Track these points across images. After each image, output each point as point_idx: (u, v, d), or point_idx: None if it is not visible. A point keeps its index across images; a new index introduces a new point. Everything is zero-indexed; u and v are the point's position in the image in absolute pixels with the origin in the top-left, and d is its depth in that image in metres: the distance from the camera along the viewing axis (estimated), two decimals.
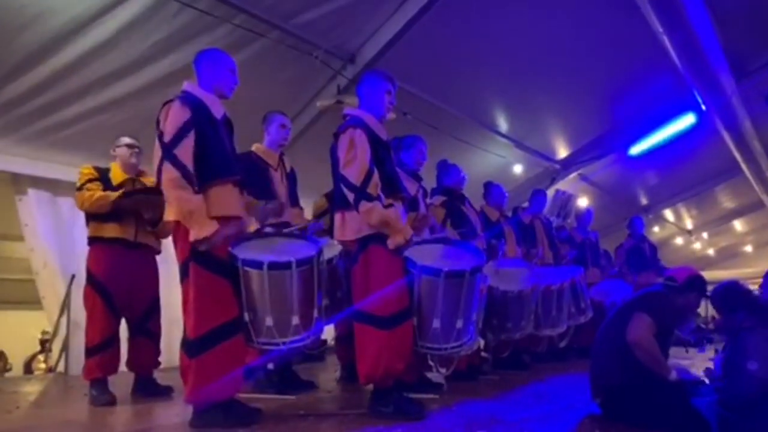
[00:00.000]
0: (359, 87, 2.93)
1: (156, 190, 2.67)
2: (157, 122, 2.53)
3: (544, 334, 4.60)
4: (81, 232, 3.94)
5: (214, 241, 2.43)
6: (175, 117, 2.46)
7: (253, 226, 3.19)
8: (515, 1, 5.08)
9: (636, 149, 7.87)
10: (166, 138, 2.44)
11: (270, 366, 3.51)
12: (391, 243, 2.66)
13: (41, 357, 6.85)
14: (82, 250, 3.57)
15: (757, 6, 5.60)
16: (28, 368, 7.17)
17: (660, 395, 2.45)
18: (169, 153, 2.42)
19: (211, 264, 2.46)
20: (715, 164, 9.82)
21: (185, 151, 2.43)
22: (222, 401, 2.45)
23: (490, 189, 5.08)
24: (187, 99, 2.54)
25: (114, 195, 3.27)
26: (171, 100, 2.54)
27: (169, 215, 2.50)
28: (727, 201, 12.75)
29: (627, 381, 2.52)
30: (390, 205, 2.68)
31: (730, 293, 2.84)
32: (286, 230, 3.08)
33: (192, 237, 2.40)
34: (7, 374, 7.20)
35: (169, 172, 2.40)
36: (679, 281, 2.71)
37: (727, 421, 2.47)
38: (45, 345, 6.27)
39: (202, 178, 2.49)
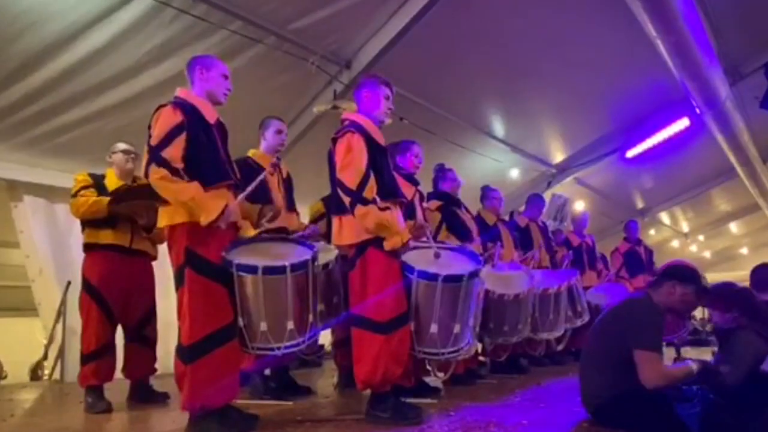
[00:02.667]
0: (357, 92, 2.92)
1: (145, 191, 2.67)
2: (149, 126, 2.54)
3: (541, 337, 4.60)
4: (77, 238, 3.94)
5: (228, 217, 2.47)
6: (165, 120, 2.47)
7: (250, 231, 3.18)
8: (510, 6, 5.11)
9: (631, 153, 7.91)
10: (154, 140, 2.45)
11: (267, 372, 3.50)
12: (388, 245, 2.65)
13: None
14: (78, 256, 3.56)
15: (750, 11, 5.65)
16: (35, 374, 7.13)
17: (647, 406, 2.43)
18: (155, 155, 2.43)
19: (206, 269, 2.45)
20: (710, 167, 9.85)
21: (173, 153, 2.44)
22: (218, 408, 2.44)
23: (487, 193, 5.10)
24: (180, 103, 2.55)
25: (106, 199, 3.26)
26: (163, 105, 2.55)
27: (162, 221, 2.51)
28: (722, 204, 12.79)
29: (615, 395, 2.46)
30: (386, 208, 2.67)
31: (726, 292, 2.83)
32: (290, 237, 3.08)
33: (203, 222, 2.41)
34: (2, 381, 7.14)
35: (157, 172, 2.42)
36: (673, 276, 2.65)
37: (713, 425, 2.44)
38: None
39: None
